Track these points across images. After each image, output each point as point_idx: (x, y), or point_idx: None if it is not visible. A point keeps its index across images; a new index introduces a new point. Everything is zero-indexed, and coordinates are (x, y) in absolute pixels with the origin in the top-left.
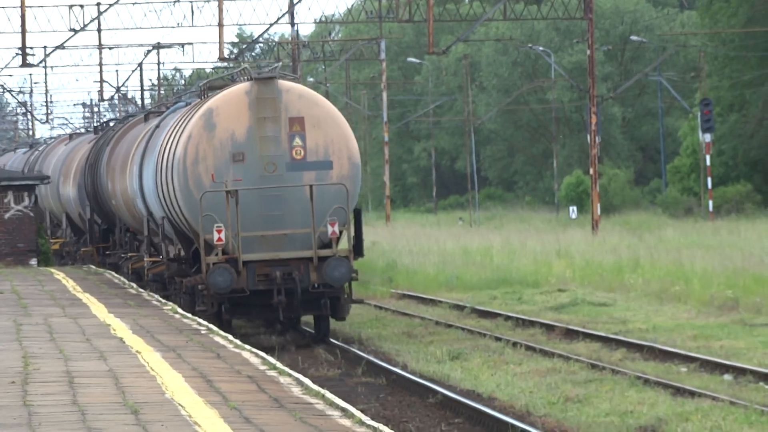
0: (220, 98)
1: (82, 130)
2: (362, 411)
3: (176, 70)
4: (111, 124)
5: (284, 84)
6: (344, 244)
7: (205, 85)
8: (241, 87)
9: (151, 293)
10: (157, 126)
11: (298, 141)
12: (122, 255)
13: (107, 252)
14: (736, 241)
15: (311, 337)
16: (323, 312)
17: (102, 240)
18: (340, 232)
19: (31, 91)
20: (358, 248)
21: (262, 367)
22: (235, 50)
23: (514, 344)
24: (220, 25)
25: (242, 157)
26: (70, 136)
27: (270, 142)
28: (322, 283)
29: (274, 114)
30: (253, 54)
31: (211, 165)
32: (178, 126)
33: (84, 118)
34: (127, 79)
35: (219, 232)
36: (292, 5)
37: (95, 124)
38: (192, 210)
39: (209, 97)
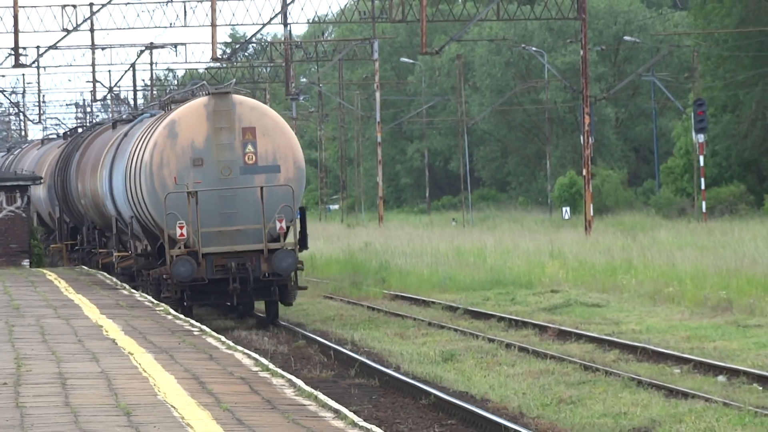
0: (181, 111)
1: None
2: (355, 412)
3: (169, 70)
4: (79, 130)
5: (238, 98)
6: (291, 239)
7: (169, 98)
8: (200, 101)
9: (143, 294)
10: (125, 134)
11: (250, 148)
12: (91, 251)
13: (75, 248)
14: (730, 241)
15: (262, 320)
16: (273, 298)
17: (70, 237)
18: (287, 228)
19: (24, 91)
20: (302, 242)
21: (255, 369)
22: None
23: (507, 345)
24: (213, 25)
25: (201, 162)
26: (42, 141)
27: (225, 149)
28: (272, 273)
29: (228, 124)
30: (246, 54)
31: (174, 169)
32: (144, 135)
33: (77, 118)
34: (120, 80)
35: (181, 228)
36: (285, 5)
37: (65, 130)
38: (157, 209)
39: (172, 109)
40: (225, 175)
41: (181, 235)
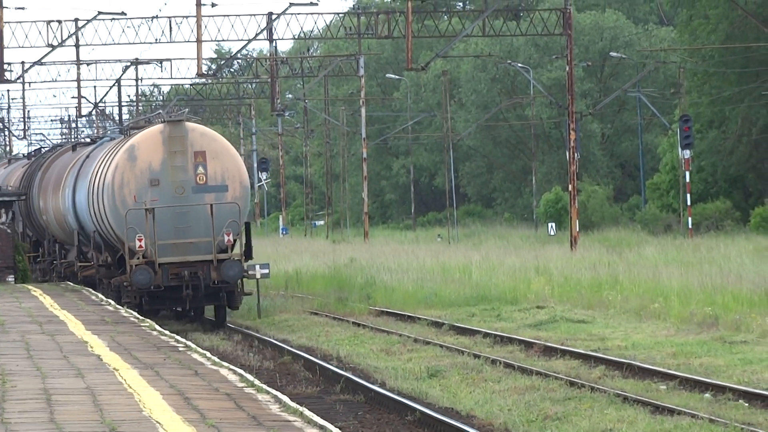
0: (140, 136)
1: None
2: (340, 428)
3: (154, 86)
4: (43, 151)
5: (190, 125)
6: (237, 250)
7: (128, 125)
8: (157, 127)
9: (128, 310)
10: (88, 156)
11: (201, 169)
12: (53, 262)
13: (37, 260)
14: (716, 258)
15: (212, 324)
16: (221, 303)
17: (33, 250)
18: (234, 240)
19: (9, 106)
20: (248, 253)
21: (240, 385)
22: (214, 66)
23: (493, 361)
24: (198, 41)
25: (158, 183)
26: (9, 161)
27: (179, 170)
28: (220, 280)
29: (182, 149)
30: (231, 70)
31: (133, 189)
32: (106, 157)
33: (62, 134)
34: (105, 95)
35: (140, 240)
36: (270, 21)
37: (30, 150)
38: (119, 224)
39: (132, 134)
40: (179, 193)
41: (140, 246)
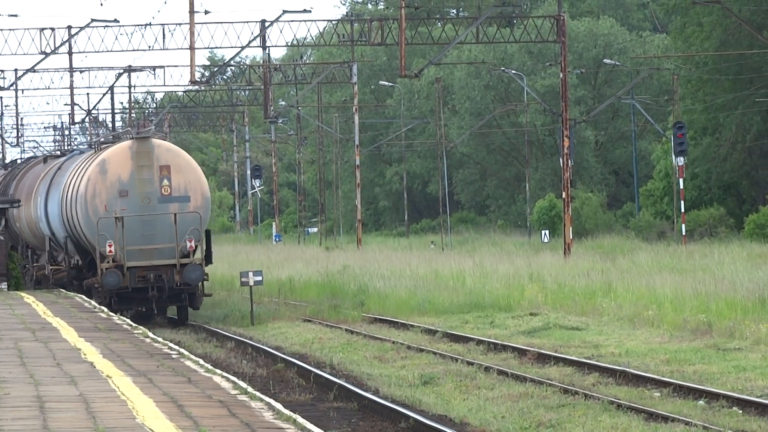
0: (110, 151)
1: (58, 153)
2: None
3: (148, 93)
4: (18, 162)
5: (156, 141)
6: (199, 255)
7: (99, 141)
8: (126, 143)
9: (121, 317)
10: (59, 168)
11: (165, 182)
12: (25, 266)
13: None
14: (709, 265)
15: (174, 322)
16: (183, 303)
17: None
18: (196, 246)
19: (2, 114)
20: (208, 258)
21: (233, 392)
22: (207, 73)
23: (486, 369)
24: (192, 48)
25: (126, 194)
26: (8, 165)
27: (146, 182)
28: (183, 283)
29: (149, 163)
30: (224, 77)
31: (104, 199)
32: (79, 170)
33: (55, 141)
34: (98, 102)
35: (110, 246)
36: (263, 28)
37: (19, 158)
38: (91, 231)
39: (102, 149)
40: (145, 203)
41: (110, 251)
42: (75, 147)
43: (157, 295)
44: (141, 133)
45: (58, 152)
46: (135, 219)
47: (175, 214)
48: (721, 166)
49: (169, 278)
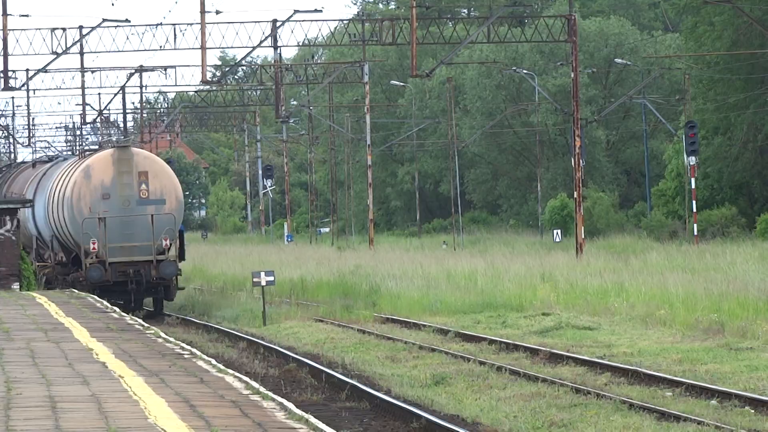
0: (94, 158)
1: (45, 158)
2: None
3: (159, 93)
4: (11, 165)
5: (135, 150)
6: (173, 252)
7: (83, 149)
8: (108, 151)
9: (133, 317)
10: (44, 173)
11: (144, 186)
12: None
13: None
14: (721, 264)
15: (150, 312)
16: (160, 295)
17: None
18: (171, 244)
19: (13, 114)
20: (181, 255)
21: (246, 392)
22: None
23: (499, 368)
24: (203, 48)
25: (109, 197)
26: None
27: (126, 186)
28: (159, 277)
29: (128, 169)
30: (236, 77)
31: (88, 201)
32: (64, 175)
33: (66, 141)
34: (110, 102)
35: (93, 243)
36: (274, 28)
37: (76, 149)
38: (76, 230)
39: (87, 156)
40: (126, 205)
41: (94, 248)
42: (59, 153)
43: (135, 288)
44: (122, 142)
45: (46, 158)
46: (116, 219)
47: (152, 215)
48: (732, 165)
49: (147, 273)
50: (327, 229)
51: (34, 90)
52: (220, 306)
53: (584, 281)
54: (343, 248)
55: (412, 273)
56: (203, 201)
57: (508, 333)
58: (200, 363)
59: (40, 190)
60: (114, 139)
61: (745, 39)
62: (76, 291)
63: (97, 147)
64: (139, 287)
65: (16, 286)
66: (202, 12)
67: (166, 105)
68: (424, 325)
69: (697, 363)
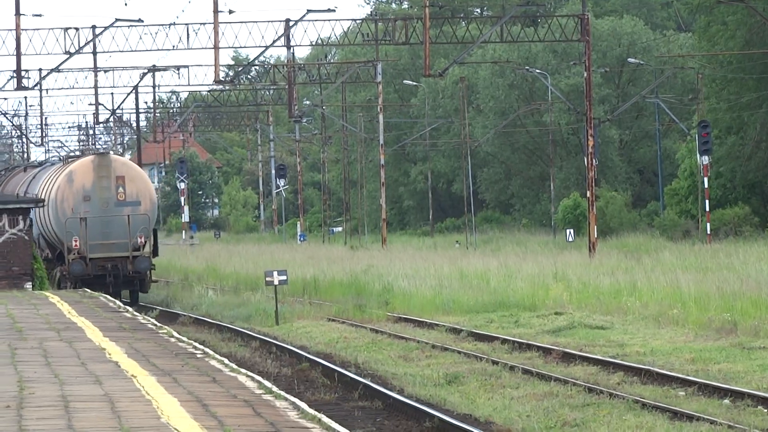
0: (77, 164)
1: (35, 163)
2: None
3: (172, 92)
4: (7, 169)
5: (113, 156)
6: (148, 249)
7: (67, 156)
8: (89, 158)
9: (146, 317)
10: (33, 177)
11: (121, 189)
12: None
13: None
14: (734, 263)
15: (126, 303)
16: (135, 288)
17: None
18: (145, 242)
19: (26, 114)
20: (155, 251)
21: (258, 391)
22: (231, 73)
23: (511, 368)
24: (216, 47)
25: (89, 199)
26: None
27: (105, 190)
28: (134, 271)
29: (107, 174)
30: (249, 76)
31: (71, 203)
32: (50, 179)
33: (79, 140)
34: (123, 102)
35: (76, 241)
36: (287, 28)
37: (89, 148)
38: (60, 229)
39: (70, 162)
40: (104, 207)
41: (76, 245)
42: (47, 159)
43: (113, 281)
44: (101, 150)
45: (36, 162)
46: (96, 219)
47: (128, 216)
48: (745, 164)
49: (124, 267)
50: (340, 229)
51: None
52: (232, 305)
53: (597, 280)
54: (355, 248)
55: (424, 272)
56: (216, 200)
57: (521, 332)
58: (213, 362)
59: (29, 193)
60: (126, 139)
61: (758, 38)
62: (89, 291)
63: (79, 154)
64: (117, 280)
65: (28, 285)
66: (215, 11)
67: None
68: (437, 325)
69: (709, 362)
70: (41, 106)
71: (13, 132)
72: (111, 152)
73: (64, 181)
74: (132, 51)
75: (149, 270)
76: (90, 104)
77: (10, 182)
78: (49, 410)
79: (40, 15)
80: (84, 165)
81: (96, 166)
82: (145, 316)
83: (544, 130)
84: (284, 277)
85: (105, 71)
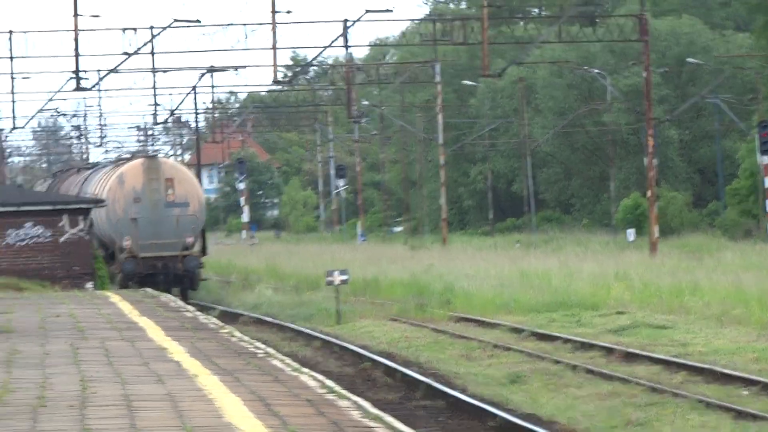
0: (127, 167)
1: (88, 165)
2: None
3: (230, 93)
4: (65, 171)
5: (162, 159)
6: (197, 248)
7: (118, 158)
8: (139, 161)
9: (207, 316)
10: (86, 179)
11: (170, 191)
12: None
13: None
14: None
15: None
16: (185, 285)
17: None
18: (194, 241)
19: (85, 114)
20: (204, 250)
21: (321, 391)
22: (289, 73)
23: (574, 367)
24: (274, 48)
25: (140, 200)
26: (54, 175)
27: (155, 191)
28: (184, 270)
29: (157, 176)
30: (307, 77)
31: (122, 204)
32: (102, 181)
33: (138, 141)
34: (181, 103)
35: (127, 241)
36: (345, 28)
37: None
38: (112, 229)
39: (120, 165)
40: (154, 208)
41: (127, 245)
42: (99, 162)
43: (164, 279)
44: (151, 154)
45: (89, 165)
46: (146, 220)
47: (177, 216)
48: None
49: (174, 266)
50: (400, 229)
51: (105, 90)
52: (294, 305)
53: (658, 280)
54: (416, 247)
55: (485, 272)
56: (276, 201)
57: (583, 332)
58: (275, 362)
59: (81, 194)
60: (185, 139)
61: None
62: (150, 290)
63: (130, 157)
64: (167, 278)
65: (90, 285)
66: (273, 12)
67: (238, 105)
68: (499, 324)
69: None
70: (100, 107)
71: (72, 133)
72: (160, 155)
73: (116, 182)
74: (190, 51)
75: (198, 268)
76: (148, 105)
77: (63, 184)
78: (111, 409)
79: (98, 16)
80: (134, 167)
81: (146, 168)
82: (207, 316)
83: (604, 130)
84: (345, 277)
85: (163, 72)
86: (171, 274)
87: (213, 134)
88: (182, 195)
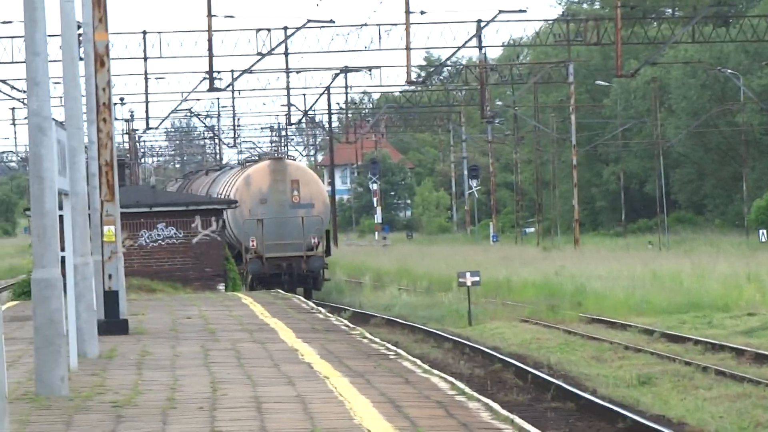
0: (254, 168)
1: (216, 167)
2: None
3: (364, 93)
4: (195, 173)
5: (288, 161)
6: (321, 249)
7: (245, 161)
8: (266, 162)
9: (339, 318)
10: (214, 180)
11: (295, 192)
12: None
13: None
14: None
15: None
16: (309, 285)
17: None
18: (318, 242)
19: (219, 115)
20: (327, 251)
21: (451, 393)
22: (423, 74)
23: (704, 369)
24: (408, 48)
25: (266, 201)
26: (185, 176)
27: (281, 193)
28: (308, 270)
29: (283, 178)
30: (440, 77)
31: (248, 205)
32: (229, 182)
33: (271, 142)
34: (315, 103)
35: (253, 241)
36: (479, 29)
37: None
38: (238, 230)
39: (247, 167)
40: (280, 209)
41: (253, 245)
42: (226, 163)
43: (288, 279)
44: (277, 155)
45: (217, 166)
46: (272, 221)
47: (302, 218)
48: None
49: (298, 266)
50: (532, 229)
51: (239, 91)
52: (425, 306)
53: None
54: (548, 248)
55: (617, 273)
56: (408, 201)
57: (714, 333)
58: (405, 363)
59: (209, 195)
60: (318, 140)
61: None
62: (281, 292)
63: (256, 158)
64: (291, 278)
65: (221, 286)
66: (407, 12)
67: (371, 105)
68: (630, 326)
69: None
70: (233, 107)
71: (206, 133)
72: (286, 157)
73: (242, 184)
74: (324, 52)
75: (322, 269)
76: (282, 105)
77: (193, 185)
78: (241, 411)
79: (231, 16)
80: (261, 169)
81: (272, 170)
82: (338, 318)
83: (737, 131)
84: (477, 278)
85: (297, 72)
86: (295, 275)
87: (346, 135)
88: (307, 196)
